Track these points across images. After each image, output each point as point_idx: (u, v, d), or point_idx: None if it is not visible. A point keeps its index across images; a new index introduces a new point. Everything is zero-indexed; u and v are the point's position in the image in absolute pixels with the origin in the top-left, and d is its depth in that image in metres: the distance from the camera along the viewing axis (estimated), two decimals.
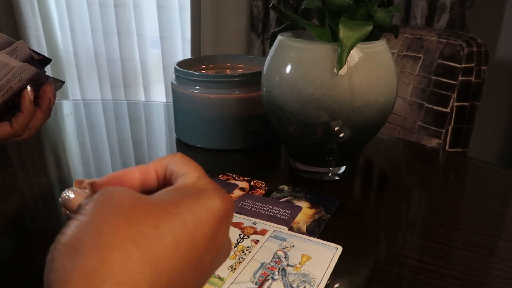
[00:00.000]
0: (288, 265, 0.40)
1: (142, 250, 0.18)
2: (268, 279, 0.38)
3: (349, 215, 0.50)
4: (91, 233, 0.18)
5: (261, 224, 0.46)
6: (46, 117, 0.47)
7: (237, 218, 0.48)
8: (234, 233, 0.45)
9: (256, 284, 0.37)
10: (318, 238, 0.44)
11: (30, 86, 0.44)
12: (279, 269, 0.39)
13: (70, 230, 0.19)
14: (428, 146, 0.82)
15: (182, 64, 0.71)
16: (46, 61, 0.49)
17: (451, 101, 0.84)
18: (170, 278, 0.19)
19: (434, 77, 0.86)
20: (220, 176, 0.58)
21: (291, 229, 0.46)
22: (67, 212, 0.23)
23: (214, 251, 0.21)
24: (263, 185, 0.56)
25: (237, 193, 0.54)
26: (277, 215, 0.48)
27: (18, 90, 0.43)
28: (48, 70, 1.73)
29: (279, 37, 0.54)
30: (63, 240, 0.18)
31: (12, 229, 0.49)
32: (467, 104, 0.84)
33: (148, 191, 0.23)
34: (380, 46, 0.50)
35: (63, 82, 0.51)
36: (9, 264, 0.42)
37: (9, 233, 0.48)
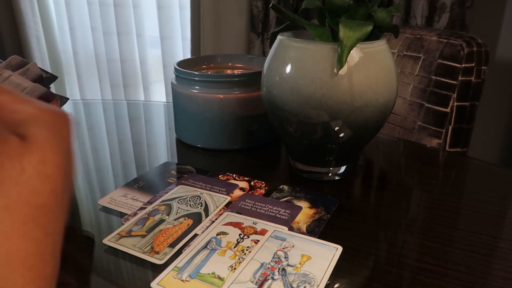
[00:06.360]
0: (288, 265, 0.40)
1: None
2: (268, 279, 0.38)
3: (349, 215, 0.50)
4: None
5: (261, 224, 0.46)
6: None
7: (237, 218, 0.48)
8: (234, 233, 0.45)
9: (256, 284, 0.37)
10: (318, 238, 0.44)
11: None
12: (279, 269, 0.39)
13: None
14: (428, 146, 0.82)
15: (182, 64, 0.71)
16: (52, 78, 0.52)
17: (451, 101, 0.84)
18: None
19: (434, 77, 0.86)
20: (220, 176, 0.58)
21: (291, 229, 0.46)
22: None
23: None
24: (263, 185, 0.56)
25: (237, 193, 0.54)
26: (277, 215, 0.48)
27: None
28: (49, 70, 1.73)
29: (279, 37, 0.54)
30: None
31: None
32: (467, 104, 0.84)
33: None
34: (380, 46, 0.50)
35: (67, 99, 0.53)
36: None
37: None
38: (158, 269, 0.40)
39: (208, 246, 0.43)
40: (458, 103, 0.83)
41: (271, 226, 0.46)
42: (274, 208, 0.50)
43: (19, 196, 0.18)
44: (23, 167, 0.18)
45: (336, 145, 0.53)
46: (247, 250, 0.42)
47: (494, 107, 1.35)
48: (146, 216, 0.48)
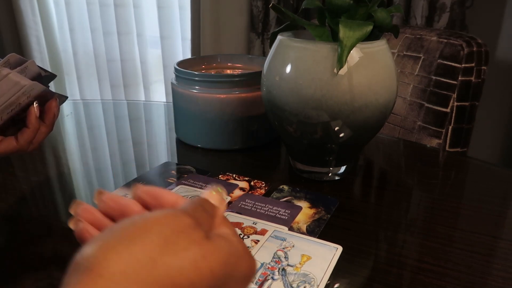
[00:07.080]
0: (288, 265, 0.40)
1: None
2: (268, 279, 0.38)
3: (349, 215, 0.50)
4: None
5: (261, 224, 0.46)
6: (49, 131, 0.48)
7: (237, 218, 0.48)
8: None
9: (256, 284, 0.37)
10: (318, 238, 0.44)
11: (36, 103, 0.45)
12: (279, 269, 0.39)
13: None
14: (428, 146, 0.82)
15: (182, 64, 0.71)
16: (51, 76, 0.51)
17: (451, 101, 0.84)
18: None
19: (434, 77, 0.86)
20: (220, 176, 0.58)
21: (291, 229, 0.46)
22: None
23: None
24: (263, 185, 0.56)
25: (237, 193, 0.54)
26: (277, 215, 0.48)
27: (25, 106, 0.45)
28: (48, 70, 1.72)
29: (279, 37, 0.54)
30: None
31: (12, 229, 0.49)
32: (467, 104, 0.84)
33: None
34: (380, 46, 0.50)
35: (66, 97, 0.52)
36: (9, 264, 0.42)
37: (8, 233, 0.48)
38: None
39: None
40: (458, 103, 0.83)
41: (271, 226, 0.46)
42: (274, 208, 0.50)
43: (166, 261, 0.19)
44: (188, 247, 0.20)
45: (336, 145, 0.53)
46: None
47: (494, 107, 1.35)
48: None
